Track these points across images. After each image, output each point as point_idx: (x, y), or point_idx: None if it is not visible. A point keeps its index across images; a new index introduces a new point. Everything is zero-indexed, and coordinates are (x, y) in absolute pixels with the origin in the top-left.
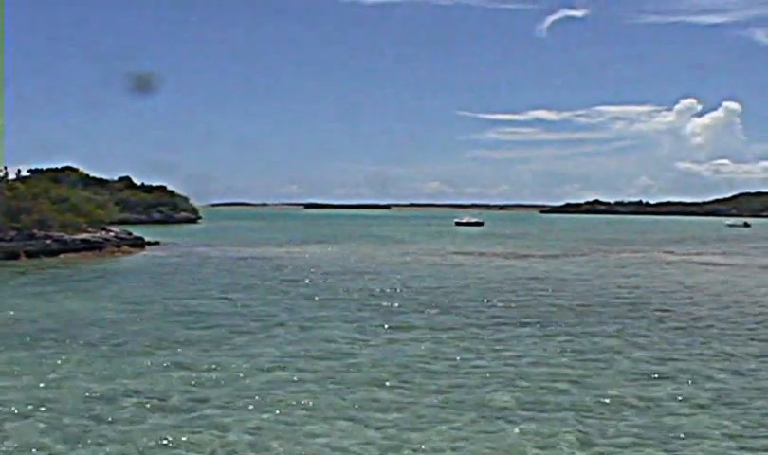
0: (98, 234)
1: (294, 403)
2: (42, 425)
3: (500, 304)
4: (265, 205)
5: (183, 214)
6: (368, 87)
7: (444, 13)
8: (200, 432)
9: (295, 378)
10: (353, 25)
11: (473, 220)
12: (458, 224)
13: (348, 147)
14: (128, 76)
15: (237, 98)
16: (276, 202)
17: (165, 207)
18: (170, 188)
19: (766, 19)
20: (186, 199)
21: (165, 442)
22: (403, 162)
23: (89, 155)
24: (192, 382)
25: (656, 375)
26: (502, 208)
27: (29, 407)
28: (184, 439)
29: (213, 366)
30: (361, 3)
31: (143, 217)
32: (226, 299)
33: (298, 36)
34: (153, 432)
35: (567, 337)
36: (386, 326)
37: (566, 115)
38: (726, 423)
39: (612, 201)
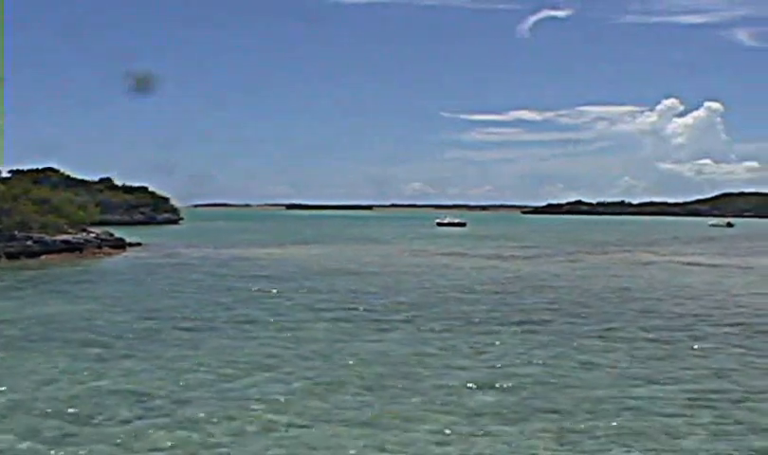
0: (79, 235)
1: (276, 404)
2: (22, 428)
3: (482, 305)
4: (247, 206)
5: (165, 215)
6: (351, 88)
7: (426, 14)
8: (183, 433)
9: (277, 379)
10: (336, 25)
11: (455, 221)
12: (440, 224)
13: (330, 148)
14: (115, 76)
15: (220, 98)
16: (258, 203)
17: (146, 208)
18: (151, 189)
19: (748, 19)
20: (167, 200)
21: (148, 443)
22: (385, 163)
23: (70, 156)
24: (175, 383)
25: (639, 377)
26: (484, 208)
27: (9, 409)
28: (167, 439)
29: (196, 366)
30: (344, 3)
31: (124, 218)
32: (208, 300)
33: (281, 36)
34: (135, 433)
35: (550, 338)
36: (368, 327)
37: (548, 115)
38: (708, 424)
39: (594, 201)
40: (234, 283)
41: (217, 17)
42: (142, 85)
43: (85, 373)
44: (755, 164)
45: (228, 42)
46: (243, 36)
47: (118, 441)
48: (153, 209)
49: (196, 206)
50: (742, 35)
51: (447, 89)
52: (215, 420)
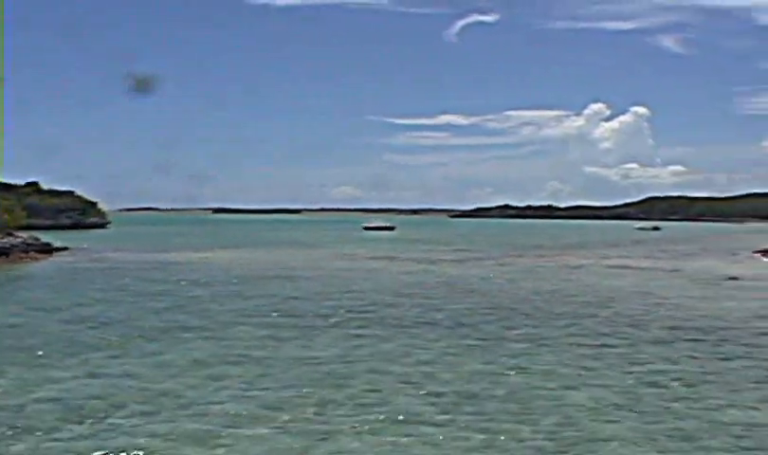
0: (4, 240)
1: (207, 408)
2: None
3: (412, 309)
4: (174, 210)
5: (92, 220)
6: (279, 91)
7: (354, 17)
8: (114, 439)
9: (207, 384)
10: (263, 28)
11: (384, 225)
12: (367, 228)
13: (259, 151)
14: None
15: (150, 101)
16: (186, 207)
17: (74, 212)
18: (78, 193)
19: (673, 25)
20: (94, 204)
21: (79, 450)
22: (314, 167)
23: None
24: (105, 389)
25: (567, 380)
26: (413, 212)
27: None
28: (95, 449)
29: (126, 372)
30: (272, 6)
31: (51, 222)
32: (136, 305)
33: (206, 39)
34: (67, 441)
35: (479, 342)
36: (297, 331)
37: (476, 119)
38: (636, 426)
39: (522, 205)
40: (163, 288)
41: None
42: None
43: (11, 381)
44: (680, 168)
45: (147, 40)
46: (156, 35)
47: (46, 449)
48: (80, 214)
49: (124, 210)
50: (668, 41)
51: (375, 93)
52: (144, 426)
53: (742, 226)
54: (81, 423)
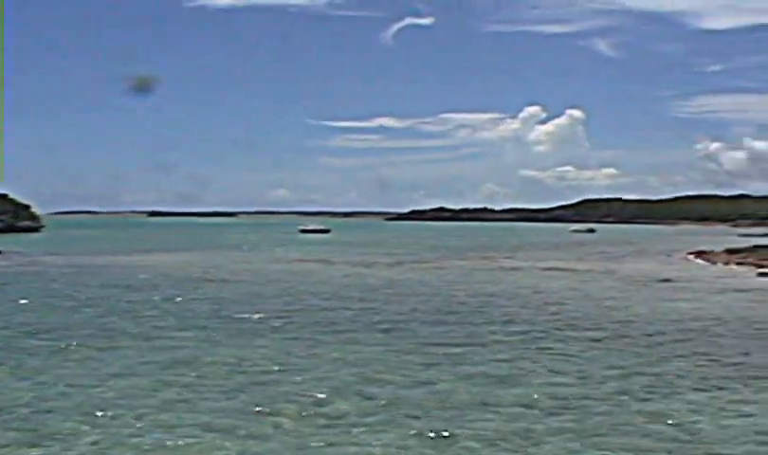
0: None
1: (140, 412)
2: None
3: (347, 312)
4: (110, 213)
5: (25, 223)
6: (214, 93)
7: (290, 20)
8: (46, 445)
9: (139, 388)
10: (198, 30)
11: (319, 227)
12: (303, 231)
13: (195, 154)
14: None
15: (84, 105)
16: (122, 210)
17: (6, 215)
18: (11, 195)
19: (607, 29)
20: (27, 207)
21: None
22: (250, 170)
23: None
24: (38, 393)
25: (502, 381)
26: (348, 215)
27: None
28: (29, 452)
29: (57, 378)
30: (208, 8)
31: None
32: (70, 309)
33: (141, 41)
34: None
35: (414, 344)
36: (232, 335)
37: (411, 122)
38: (570, 426)
39: (457, 208)
40: (97, 293)
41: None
42: None
43: None
44: (614, 170)
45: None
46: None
47: None
48: (12, 217)
49: (58, 213)
50: (603, 45)
51: (310, 96)
52: (77, 432)
53: (675, 228)
54: (13, 427)
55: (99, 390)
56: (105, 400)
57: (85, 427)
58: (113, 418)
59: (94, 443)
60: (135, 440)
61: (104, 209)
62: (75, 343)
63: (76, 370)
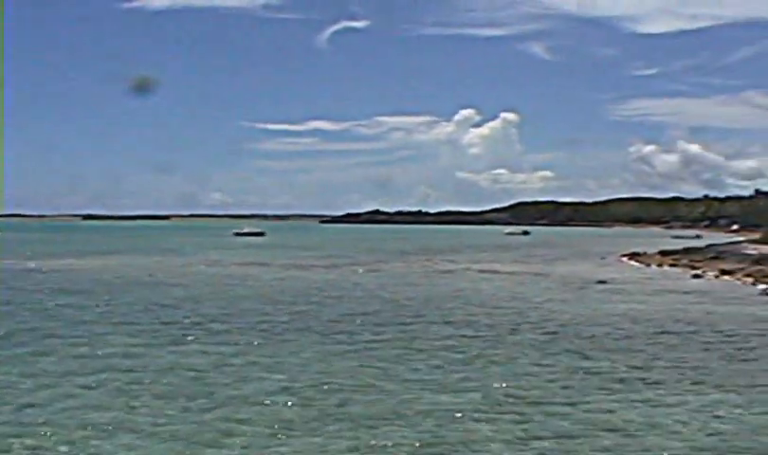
0: None
1: (77, 418)
2: None
3: (282, 316)
4: (42, 216)
5: None
6: (147, 95)
7: (225, 22)
8: None
9: (77, 393)
10: (134, 32)
11: (254, 230)
12: (237, 234)
13: (129, 156)
14: None
15: (22, 106)
16: (54, 213)
17: None
18: None
19: (542, 33)
20: None
21: None
22: (183, 173)
23: None
24: None
25: (440, 384)
26: (282, 218)
27: None
28: None
29: None
30: (144, 10)
31: None
32: (2, 313)
33: (76, 40)
34: None
35: (350, 348)
36: (166, 339)
37: (345, 125)
38: (508, 428)
39: (392, 210)
40: (29, 297)
41: None
42: None
43: None
44: (548, 173)
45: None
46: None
47: None
48: None
49: None
50: (538, 48)
51: (244, 99)
52: (14, 437)
53: (611, 230)
54: None
55: (33, 395)
56: (40, 406)
57: (20, 434)
58: (48, 424)
59: (29, 448)
60: (70, 447)
61: (35, 213)
62: (8, 347)
63: (9, 374)
